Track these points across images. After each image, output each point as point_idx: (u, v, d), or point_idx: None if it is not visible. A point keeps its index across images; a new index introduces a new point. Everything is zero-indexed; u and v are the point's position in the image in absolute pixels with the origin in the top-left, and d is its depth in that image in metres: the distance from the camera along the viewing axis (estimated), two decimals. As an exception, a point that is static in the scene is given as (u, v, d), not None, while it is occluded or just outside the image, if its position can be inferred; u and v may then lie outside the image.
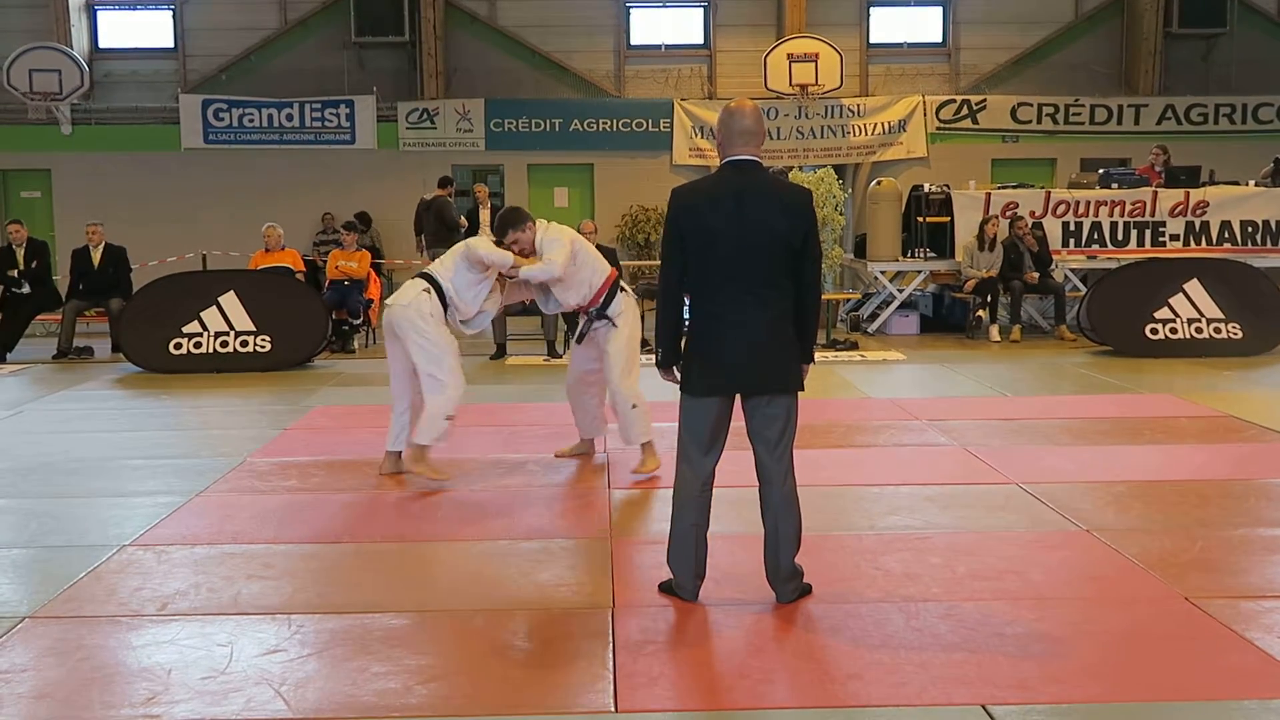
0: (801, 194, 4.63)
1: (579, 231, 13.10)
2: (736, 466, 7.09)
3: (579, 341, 7.08)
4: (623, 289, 6.99)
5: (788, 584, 4.63)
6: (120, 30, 21.28)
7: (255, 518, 6.09)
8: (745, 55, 20.55)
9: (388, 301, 6.79)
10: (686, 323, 4.59)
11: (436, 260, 6.95)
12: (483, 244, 6.80)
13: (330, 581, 5.10)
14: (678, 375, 4.61)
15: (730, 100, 4.54)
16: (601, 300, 6.86)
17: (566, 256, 6.68)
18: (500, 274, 6.80)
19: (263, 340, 11.79)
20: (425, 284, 6.68)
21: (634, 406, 6.87)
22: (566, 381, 7.28)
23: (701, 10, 21.41)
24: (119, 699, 3.87)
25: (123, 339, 12.11)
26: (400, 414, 6.90)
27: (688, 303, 4.56)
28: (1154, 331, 12.21)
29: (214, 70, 20.86)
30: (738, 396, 4.56)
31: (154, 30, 21.21)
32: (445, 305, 6.68)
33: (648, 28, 21.43)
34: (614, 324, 6.87)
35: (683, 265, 4.47)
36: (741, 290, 4.43)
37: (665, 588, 4.75)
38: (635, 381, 6.91)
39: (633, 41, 21.34)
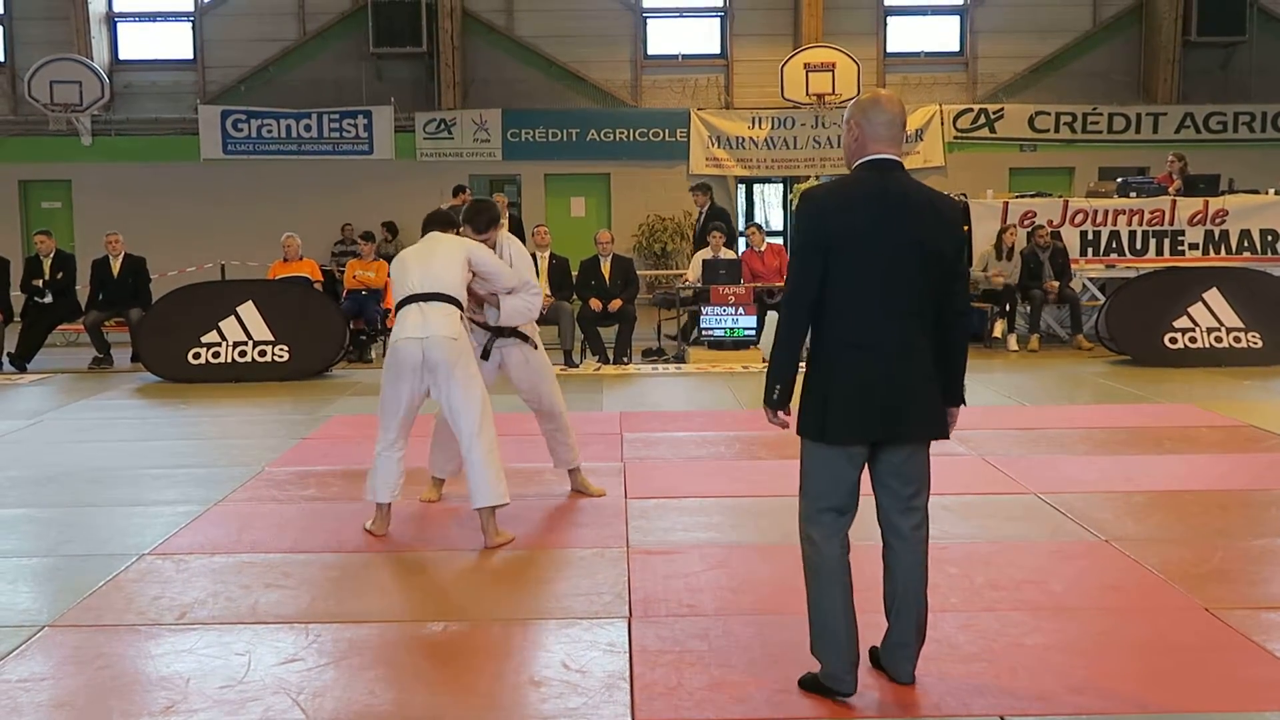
0: (955, 205, 3.98)
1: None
2: (758, 476, 7.08)
3: (485, 357, 6.37)
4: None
5: (913, 663, 3.93)
6: (140, 42, 21.42)
7: (273, 527, 6.11)
8: (762, 65, 20.56)
9: (419, 335, 5.70)
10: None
11: (431, 266, 5.90)
12: (486, 251, 6.12)
13: (348, 591, 5.11)
14: (786, 419, 3.88)
15: (871, 93, 3.94)
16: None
17: (540, 290, 6.37)
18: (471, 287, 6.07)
19: (281, 350, 11.83)
20: (458, 310, 5.82)
21: (571, 428, 6.70)
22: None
23: (718, 20, 21.44)
24: (138, 708, 3.88)
25: (142, 348, 12.17)
26: (396, 460, 5.95)
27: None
28: (1173, 341, 12.16)
29: (233, 81, 20.97)
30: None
31: (173, 42, 21.34)
32: None
33: (664, 38, 21.47)
34: (527, 342, 6.46)
35: (820, 283, 3.73)
36: (888, 316, 3.72)
37: (809, 685, 3.89)
38: (563, 401, 6.66)
39: (649, 51, 21.37)
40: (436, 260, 5.91)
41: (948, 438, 3.89)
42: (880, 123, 3.80)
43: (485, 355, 6.41)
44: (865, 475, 3.86)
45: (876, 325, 3.72)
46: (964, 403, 3.95)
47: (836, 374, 3.75)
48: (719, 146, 20.64)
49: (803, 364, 3.80)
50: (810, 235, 3.78)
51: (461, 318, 5.84)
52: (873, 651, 4.00)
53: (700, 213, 14.72)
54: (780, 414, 3.87)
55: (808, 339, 3.81)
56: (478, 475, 5.74)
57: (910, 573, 3.88)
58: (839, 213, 3.76)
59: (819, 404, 3.76)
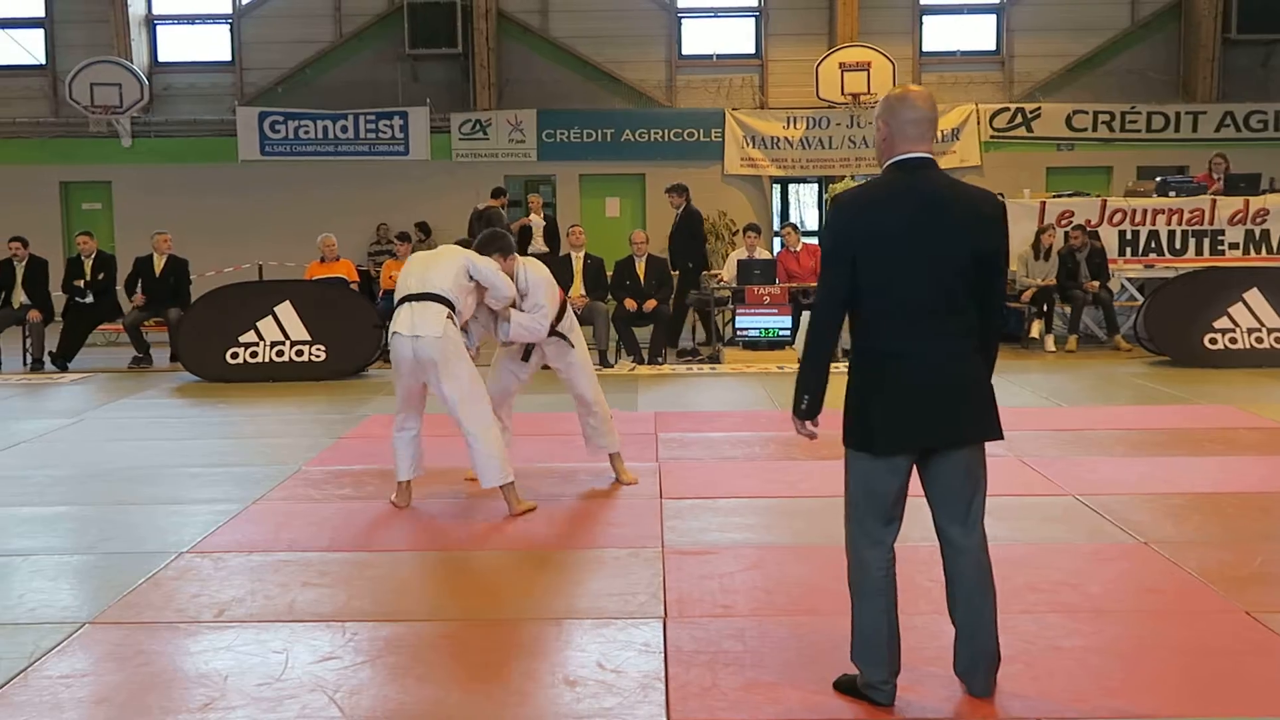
0: (995, 202, 3.81)
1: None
2: (793, 476, 7.07)
3: (525, 359, 6.88)
4: (568, 307, 6.96)
5: (991, 675, 3.83)
6: (179, 44, 21.61)
7: (310, 526, 6.15)
8: (797, 64, 20.50)
9: (409, 333, 6.16)
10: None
11: (429, 270, 6.34)
12: (486, 263, 6.42)
13: (384, 589, 5.13)
14: (815, 430, 3.82)
15: (900, 89, 3.79)
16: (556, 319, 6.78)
17: (551, 310, 6.58)
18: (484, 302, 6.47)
19: (317, 350, 11.91)
20: (446, 309, 6.21)
21: (610, 417, 6.99)
22: (489, 393, 6.74)
23: (753, 20, 21.40)
24: (176, 704, 3.91)
25: (181, 348, 12.28)
26: (410, 441, 6.49)
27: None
28: (1213, 341, 12.04)
29: (270, 83, 21.12)
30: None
31: (212, 44, 21.52)
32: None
33: (699, 38, 21.45)
34: (567, 340, 6.80)
35: (850, 290, 3.64)
36: (927, 320, 3.61)
37: (845, 688, 3.88)
38: (601, 393, 6.99)
39: (684, 51, 21.36)
40: (437, 265, 6.35)
41: (1001, 438, 3.77)
42: (909, 120, 3.67)
43: (526, 358, 6.87)
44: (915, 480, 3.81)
45: (919, 330, 3.61)
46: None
47: (879, 383, 3.65)
48: (754, 146, 20.60)
49: (841, 369, 3.72)
50: (837, 242, 3.69)
51: (450, 316, 6.19)
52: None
53: (677, 214, 14.65)
54: (809, 424, 3.79)
55: (844, 347, 3.73)
56: (481, 459, 6.24)
57: (974, 588, 3.79)
58: (867, 217, 3.66)
59: (863, 415, 3.68)
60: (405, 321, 6.20)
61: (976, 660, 3.83)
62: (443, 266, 6.33)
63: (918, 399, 3.63)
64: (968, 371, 3.69)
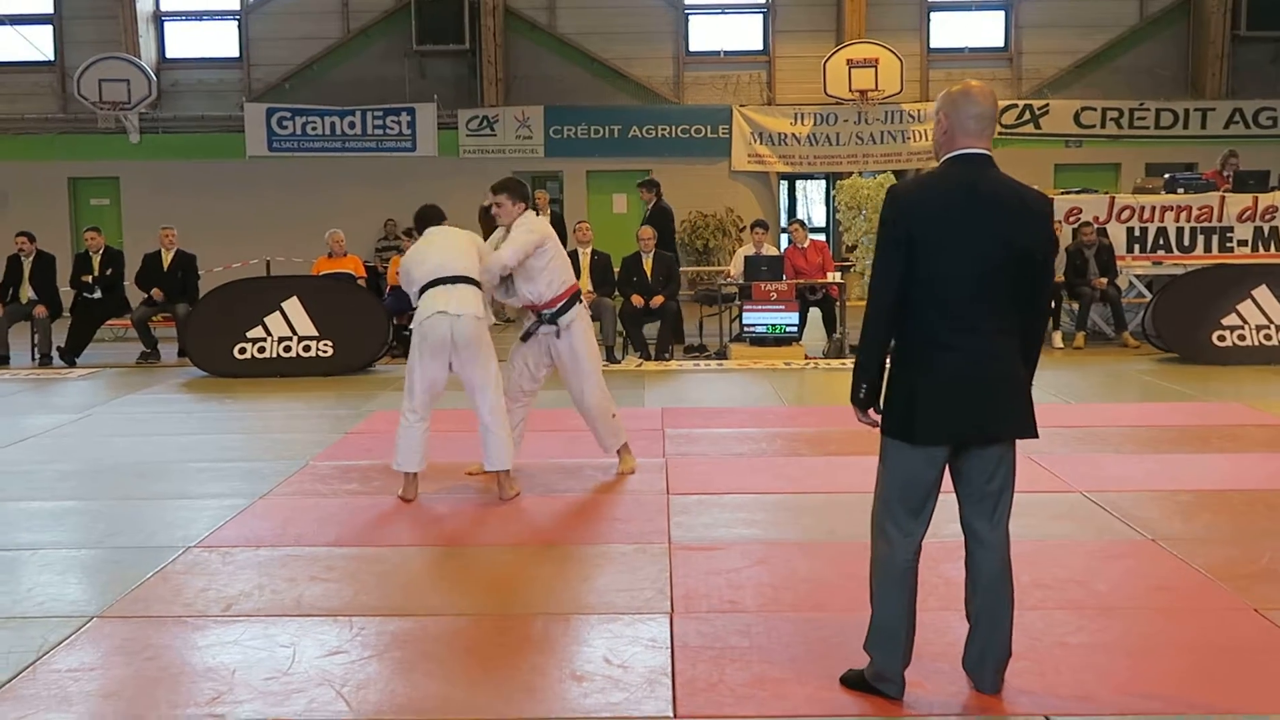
0: (1045, 201, 3.82)
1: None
2: (800, 472, 7.07)
3: (524, 339, 6.95)
4: (580, 303, 6.96)
5: (1000, 673, 3.86)
6: (187, 40, 21.66)
7: (317, 520, 6.16)
8: (805, 61, 20.51)
9: (454, 311, 6.27)
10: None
11: (449, 254, 6.50)
12: (484, 247, 6.65)
13: (391, 584, 5.14)
14: (876, 417, 3.80)
15: (963, 85, 3.78)
16: (558, 306, 6.80)
17: (523, 247, 6.57)
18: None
19: (325, 345, 11.92)
20: (479, 289, 6.44)
21: (613, 415, 7.03)
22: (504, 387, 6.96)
23: (761, 16, 21.40)
24: (184, 698, 3.92)
25: (189, 343, 12.30)
26: (422, 433, 6.45)
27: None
28: (1221, 338, 12.02)
29: (278, 79, 21.16)
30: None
31: (219, 40, 21.57)
32: None
33: (707, 34, 21.45)
34: (565, 332, 6.82)
35: (903, 280, 3.66)
36: (978, 314, 3.64)
37: (853, 683, 3.89)
38: (606, 391, 7.02)
39: (691, 48, 21.36)
40: (454, 248, 6.52)
41: (1036, 436, 3.79)
42: (971, 115, 3.69)
43: (525, 338, 6.93)
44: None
45: (964, 324, 3.64)
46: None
47: (923, 373, 3.67)
48: (761, 143, 20.61)
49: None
50: (892, 232, 3.69)
51: (482, 298, 6.40)
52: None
53: (646, 209, 14.63)
54: (871, 413, 3.79)
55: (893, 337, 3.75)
56: (494, 443, 6.41)
57: (994, 585, 3.81)
58: (923, 209, 3.68)
59: (906, 404, 3.69)
60: (444, 301, 6.29)
61: (987, 657, 3.84)
62: (461, 248, 6.52)
63: (959, 391, 3.65)
64: (1008, 368, 3.72)
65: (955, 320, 3.65)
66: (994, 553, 3.80)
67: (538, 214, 7.12)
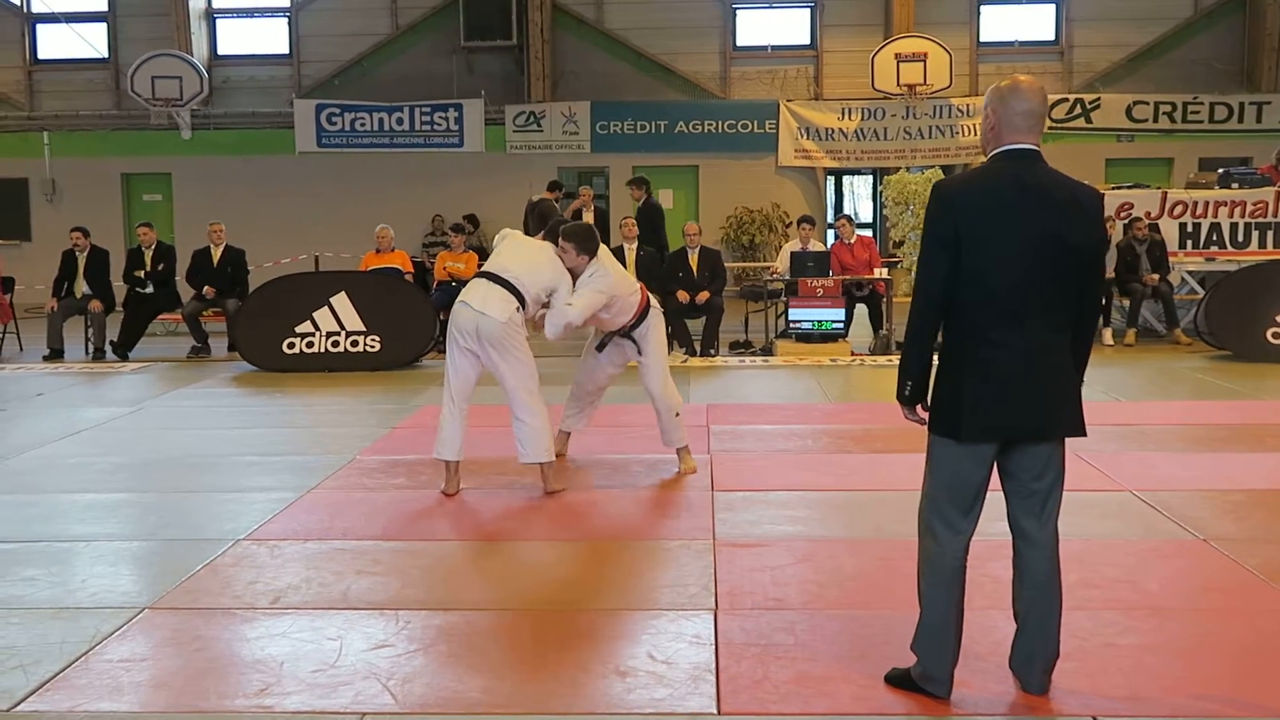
0: (1096, 196, 3.79)
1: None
2: (845, 469, 7.04)
3: (600, 349, 7.09)
4: (652, 306, 7.04)
5: (1047, 673, 3.83)
6: (238, 37, 21.88)
7: (364, 514, 6.20)
8: (852, 55, 20.39)
9: (478, 308, 6.31)
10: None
11: (518, 260, 6.49)
12: (566, 287, 6.50)
13: (436, 578, 5.17)
14: (923, 414, 3.78)
15: (1011, 80, 3.73)
16: (629, 326, 6.92)
17: (589, 309, 6.52)
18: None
19: (372, 340, 12.00)
20: (515, 299, 6.34)
21: (677, 414, 7.04)
22: (577, 380, 7.30)
23: (808, 11, 21.29)
24: (233, 689, 3.96)
25: (238, 338, 12.42)
26: (454, 420, 6.52)
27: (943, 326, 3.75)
28: (1276, 335, 11.85)
29: (327, 75, 21.32)
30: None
31: (270, 37, 21.77)
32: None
33: (753, 29, 21.38)
34: (640, 345, 6.96)
35: (950, 277, 3.61)
36: (1026, 311, 3.60)
37: (898, 681, 3.87)
38: (673, 388, 7.07)
39: (738, 43, 21.30)
40: (526, 257, 6.50)
41: (1085, 435, 3.77)
42: (1019, 112, 3.65)
43: (600, 348, 7.07)
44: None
45: (1013, 321, 3.60)
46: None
47: (971, 370, 3.64)
48: (808, 138, 20.51)
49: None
50: (938, 228, 3.65)
51: (517, 308, 6.32)
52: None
53: (637, 206, 14.63)
54: (919, 409, 3.77)
55: (940, 333, 3.73)
56: (529, 434, 6.39)
57: (1042, 584, 3.78)
58: (970, 205, 3.64)
59: (953, 401, 3.66)
60: (476, 295, 6.35)
61: (1035, 657, 3.80)
62: (532, 262, 6.47)
63: (1008, 389, 3.62)
64: (1058, 365, 3.68)
65: (1004, 317, 3.60)
66: (1042, 551, 3.76)
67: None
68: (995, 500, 3.80)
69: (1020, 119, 3.66)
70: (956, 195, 3.69)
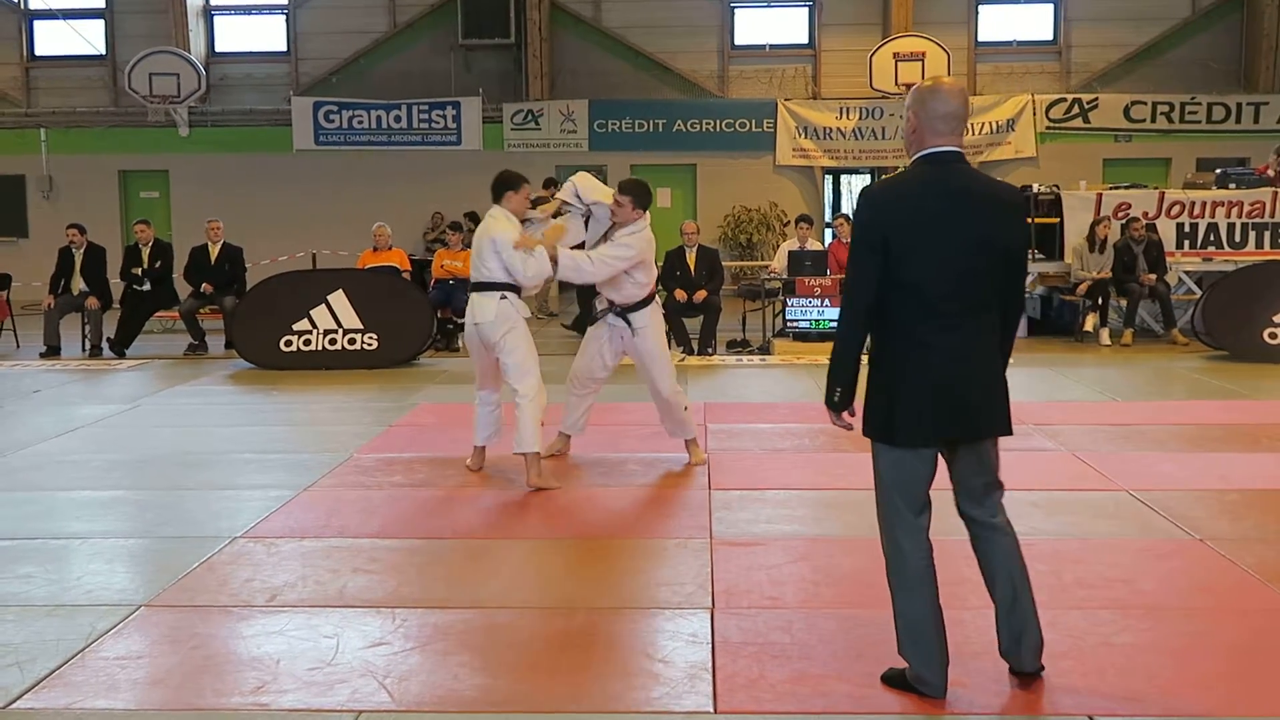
0: (1018, 195, 3.84)
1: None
2: (842, 468, 7.04)
3: (592, 323, 7.32)
4: (653, 302, 7.17)
5: (1036, 651, 3.84)
6: (235, 34, 21.87)
7: (361, 512, 6.21)
8: (850, 55, 20.40)
9: (474, 320, 6.71)
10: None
11: (478, 257, 6.72)
12: (505, 240, 6.60)
13: (433, 576, 5.17)
14: (850, 421, 3.82)
15: (932, 81, 3.76)
16: (631, 304, 7.01)
17: (614, 268, 6.81)
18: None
19: (370, 338, 12.00)
20: (499, 293, 6.64)
21: (685, 409, 7.20)
22: (573, 376, 7.37)
23: (806, 10, 21.30)
24: (229, 687, 3.96)
25: (236, 336, 12.41)
26: (488, 411, 7.06)
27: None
28: (1272, 336, 11.86)
29: (324, 73, 21.31)
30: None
31: (267, 34, 21.76)
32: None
33: (752, 28, 21.39)
34: (639, 332, 7.02)
35: (876, 281, 3.61)
36: (955, 312, 3.61)
37: (894, 681, 3.85)
38: (676, 386, 7.23)
39: (736, 42, 21.31)
40: (477, 252, 6.76)
41: (1011, 434, 3.80)
42: (940, 114, 3.65)
43: (593, 322, 7.30)
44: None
45: (943, 322, 3.61)
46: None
47: (902, 374, 3.66)
48: (806, 137, 20.52)
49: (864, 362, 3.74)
50: (867, 234, 3.65)
51: (503, 297, 6.63)
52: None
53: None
54: (845, 415, 3.80)
55: (869, 338, 3.75)
56: (524, 422, 6.58)
57: (1006, 558, 3.80)
58: (896, 210, 3.64)
59: (886, 406, 3.67)
60: (471, 312, 6.78)
61: (1018, 634, 3.82)
62: (484, 253, 6.71)
63: (940, 393, 3.63)
64: (988, 366, 3.70)
65: (934, 319, 3.62)
66: (995, 530, 3.80)
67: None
68: (992, 500, 3.79)
69: (941, 122, 3.65)
70: (885, 202, 3.71)
